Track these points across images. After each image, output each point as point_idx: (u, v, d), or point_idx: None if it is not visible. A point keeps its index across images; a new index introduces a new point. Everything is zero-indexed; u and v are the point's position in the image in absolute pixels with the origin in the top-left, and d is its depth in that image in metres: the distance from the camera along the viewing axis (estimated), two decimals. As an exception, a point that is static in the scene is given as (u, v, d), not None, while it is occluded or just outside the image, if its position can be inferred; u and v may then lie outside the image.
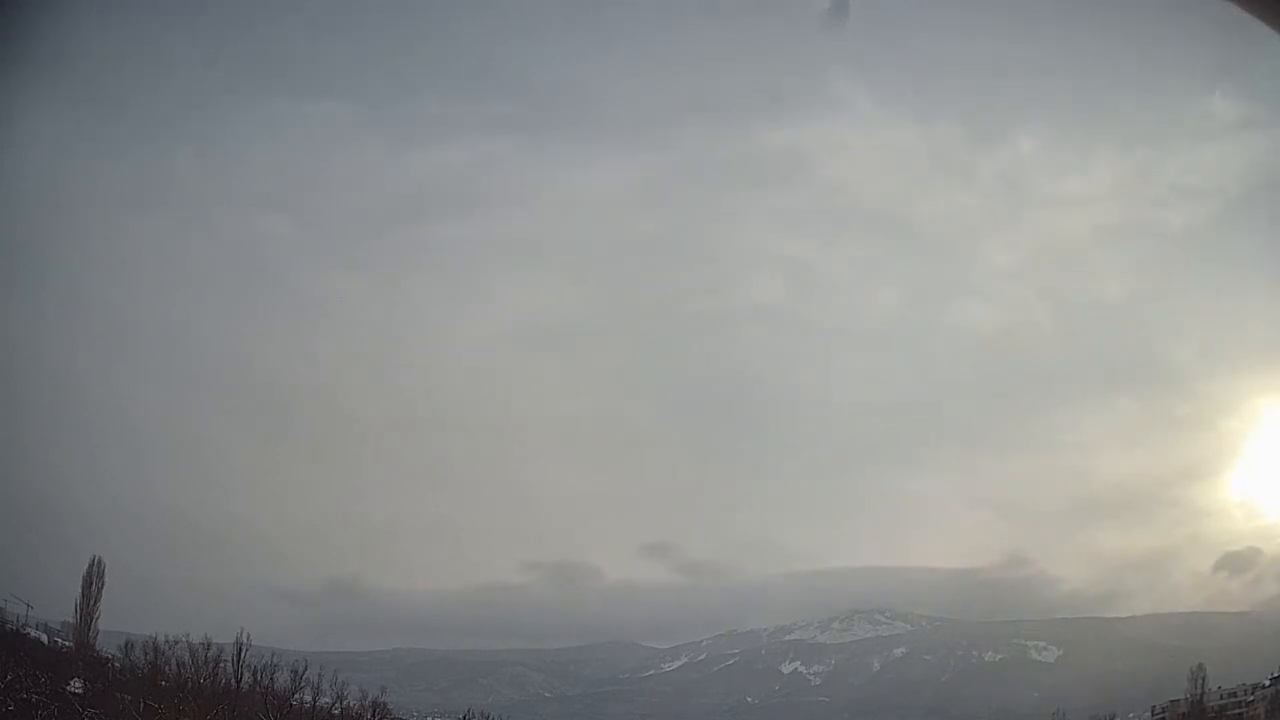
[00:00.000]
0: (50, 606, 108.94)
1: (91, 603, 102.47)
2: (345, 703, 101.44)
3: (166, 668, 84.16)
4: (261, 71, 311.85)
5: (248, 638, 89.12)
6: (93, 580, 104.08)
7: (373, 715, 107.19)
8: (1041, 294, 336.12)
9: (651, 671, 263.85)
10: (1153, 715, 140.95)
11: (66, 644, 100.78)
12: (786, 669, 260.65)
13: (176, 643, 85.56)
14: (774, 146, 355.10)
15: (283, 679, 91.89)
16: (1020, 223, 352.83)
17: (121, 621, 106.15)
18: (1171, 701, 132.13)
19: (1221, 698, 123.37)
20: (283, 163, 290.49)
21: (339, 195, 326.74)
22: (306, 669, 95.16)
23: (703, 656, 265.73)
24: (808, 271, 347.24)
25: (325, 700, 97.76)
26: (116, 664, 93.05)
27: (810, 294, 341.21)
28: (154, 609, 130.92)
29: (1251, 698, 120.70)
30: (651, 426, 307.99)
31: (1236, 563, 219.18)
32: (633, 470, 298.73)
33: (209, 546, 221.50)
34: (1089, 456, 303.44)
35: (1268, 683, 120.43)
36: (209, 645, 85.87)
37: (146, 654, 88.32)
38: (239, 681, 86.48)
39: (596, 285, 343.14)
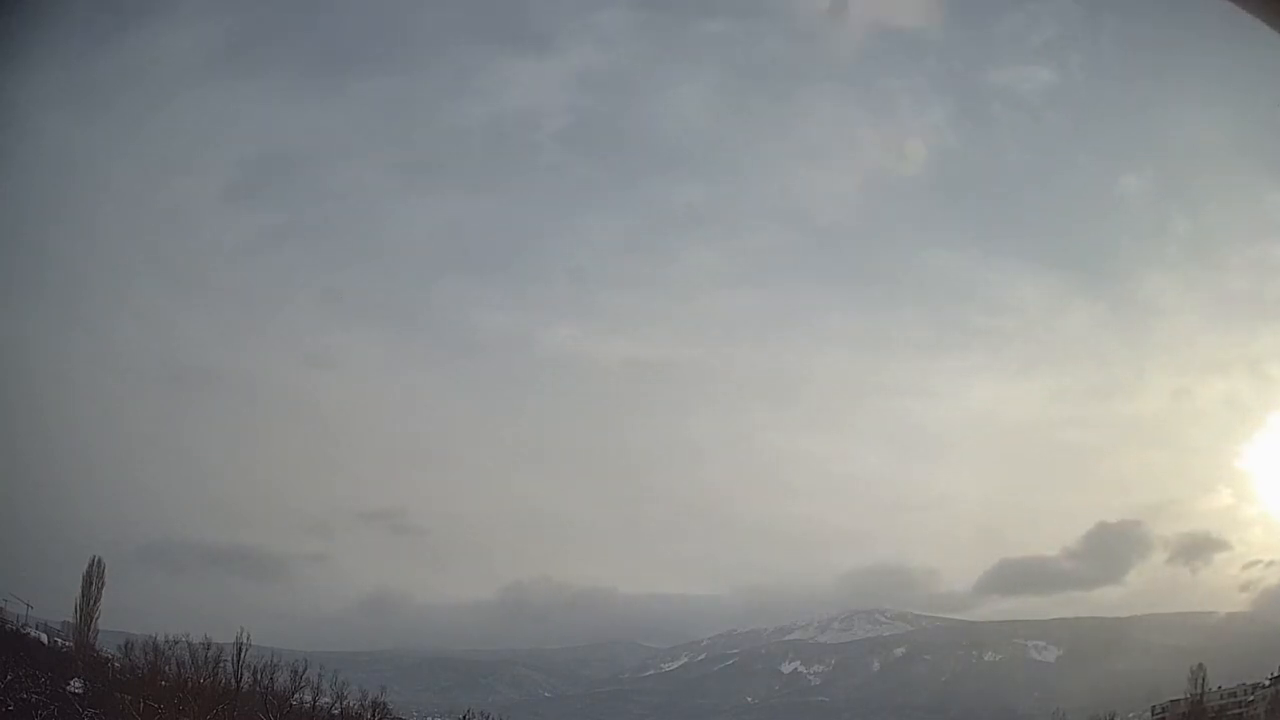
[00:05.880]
0: (50, 606, 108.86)
1: (91, 603, 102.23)
2: (345, 703, 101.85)
3: (166, 668, 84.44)
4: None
5: (248, 638, 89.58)
6: (93, 580, 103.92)
7: (373, 715, 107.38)
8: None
9: (651, 671, 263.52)
10: (1153, 715, 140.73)
11: (66, 644, 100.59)
12: (786, 669, 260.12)
13: (176, 643, 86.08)
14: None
15: (283, 679, 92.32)
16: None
17: (121, 621, 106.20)
18: (1171, 701, 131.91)
19: (1221, 698, 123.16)
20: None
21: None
22: (306, 669, 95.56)
23: (703, 656, 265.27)
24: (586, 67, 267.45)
25: (325, 700, 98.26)
26: (116, 664, 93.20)
27: (605, 101, 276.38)
28: (154, 609, 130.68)
29: (1251, 698, 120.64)
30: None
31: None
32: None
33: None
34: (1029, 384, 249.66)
35: (1268, 682, 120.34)
36: (209, 645, 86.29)
37: (146, 654, 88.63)
38: (239, 681, 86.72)
39: (328, 105, 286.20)
